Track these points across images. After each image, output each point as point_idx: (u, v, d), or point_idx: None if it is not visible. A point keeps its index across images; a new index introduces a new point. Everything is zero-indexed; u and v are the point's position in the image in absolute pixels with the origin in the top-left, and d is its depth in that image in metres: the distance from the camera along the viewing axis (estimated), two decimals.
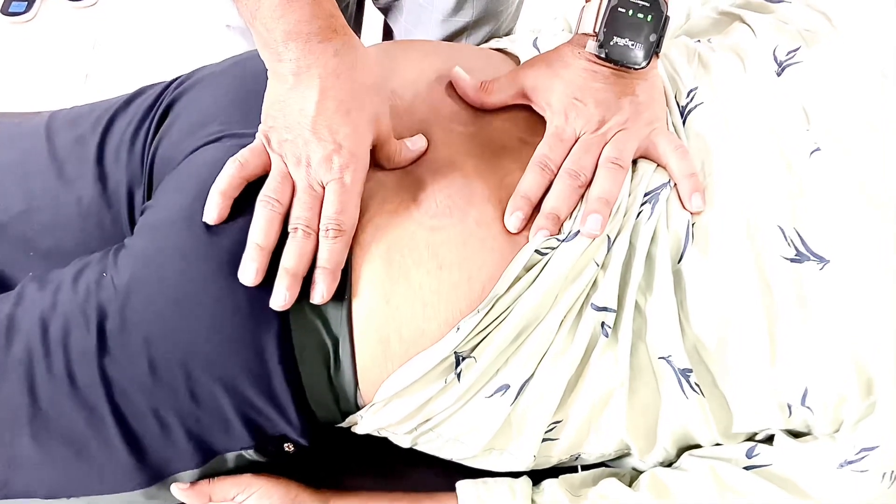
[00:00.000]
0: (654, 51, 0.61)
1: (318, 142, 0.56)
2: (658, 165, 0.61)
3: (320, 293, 0.55)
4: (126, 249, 0.60)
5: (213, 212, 0.57)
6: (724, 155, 0.61)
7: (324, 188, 0.57)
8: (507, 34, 1.00)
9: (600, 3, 0.61)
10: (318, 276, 0.55)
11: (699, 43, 0.69)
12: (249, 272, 0.55)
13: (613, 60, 0.61)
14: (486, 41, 0.94)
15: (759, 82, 0.64)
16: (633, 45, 0.60)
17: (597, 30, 0.61)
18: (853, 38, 0.66)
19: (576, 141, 0.61)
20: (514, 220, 0.58)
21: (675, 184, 0.60)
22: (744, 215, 0.58)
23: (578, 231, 0.57)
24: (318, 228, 0.56)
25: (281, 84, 0.57)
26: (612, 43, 0.61)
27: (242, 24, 0.96)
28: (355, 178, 0.57)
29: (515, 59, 0.72)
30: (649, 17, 0.61)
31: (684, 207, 0.59)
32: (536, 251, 0.57)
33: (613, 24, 0.60)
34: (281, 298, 0.54)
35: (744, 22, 0.69)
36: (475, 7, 0.91)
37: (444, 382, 0.57)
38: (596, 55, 0.61)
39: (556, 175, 0.60)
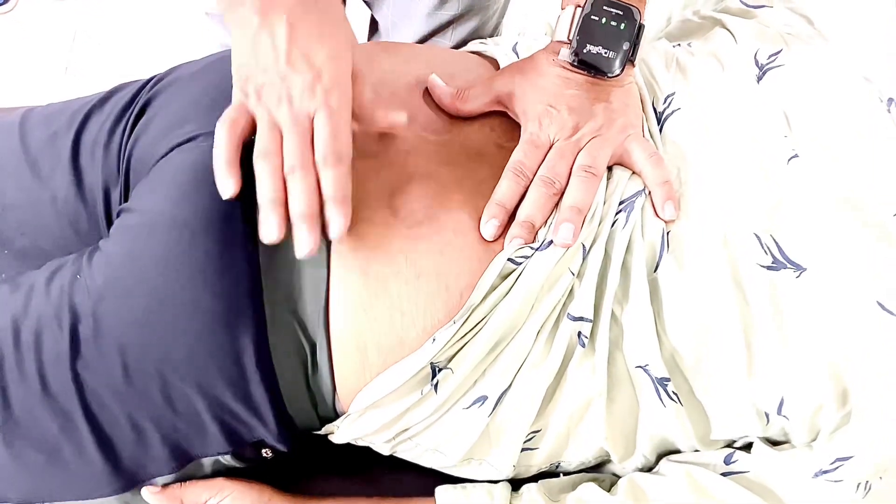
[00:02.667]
0: (628, 59, 0.61)
1: (295, 73, 0.53)
2: (633, 173, 0.61)
3: (337, 226, 0.53)
4: (100, 252, 0.59)
5: (229, 185, 0.53)
6: (701, 162, 0.61)
7: (311, 120, 0.54)
8: (494, 30, 1.00)
9: (574, 11, 0.62)
10: (329, 209, 0.53)
11: (679, 47, 0.69)
12: (272, 228, 0.52)
13: (587, 68, 0.61)
14: (473, 35, 0.94)
15: (738, 87, 0.64)
16: (606, 52, 0.61)
17: (570, 37, 0.61)
18: (836, 42, 0.66)
19: (550, 147, 0.61)
20: (489, 228, 0.57)
21: (649, 192, 0.60)
22: (719, 223, 0.58)
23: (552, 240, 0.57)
24: (315, 162, 0.53)
25: (246, 30, 0.54)
26: (585, 51, 0.61)
27: (219, 11, 0.95)
28: (342, 101, 0.54)
29: (494, 62, 0.72)
30: (622, 25, 0.61)
31: (657, 216, 0.59)
32: (510, 260, 0.56)
33: (587, 31, 0.61)
34: (306, 245, 0.52)
35: (724, 27, 0.69)
36: (461, 1, 0.90)
37: (421, 394, 0.57)
38: (569, 63, 0.61)
39: (530, 181, 0.60)
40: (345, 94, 0.55)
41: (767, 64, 0.64)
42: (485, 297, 0.56)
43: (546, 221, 0.59)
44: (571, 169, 0.60)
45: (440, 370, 0.56)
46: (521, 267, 0.57)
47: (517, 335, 0.56)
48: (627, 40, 0.61)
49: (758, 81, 0.64)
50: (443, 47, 0.91)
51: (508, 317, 0.56)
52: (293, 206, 0.52)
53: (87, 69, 1.69)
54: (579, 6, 0.62)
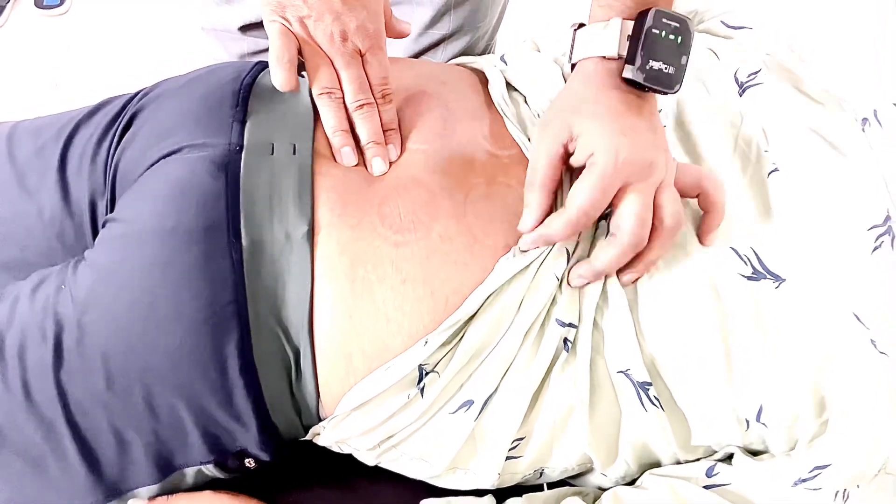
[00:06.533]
0: (683, 74, 0.57)
1: (350, 12, 0.60)
2: None
3: (393, 152, 0.63)
4: (85, 262, 0.59)
5: (285, 79, 0.60)
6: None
7: (362, 56, 0.62)
8: (484, 51, 1.01)
9: (621, 24, 0.57)
10: (388, 137, 0.63)
11: None
12: (349, 155, 0.61)
13: (651, 86, 0.56)
14: (462, 53, 0.95)
15: (721, 104, 0.65)
16: (667, 68, 0.56)
17: (623, 53, 0.57)
18: (813, 63, 0.67)
19: (623, 189, 0.55)
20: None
21: (709, 213, 0.58)
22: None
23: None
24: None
25: None
26: (648, 67, 0.56)
27: (217, 27, 0.95)
28: (384, 40, 0.62)
29: (480, 73, 0.73)
30: (679, 38, 0.57)
31: (702, 242, 0.59)
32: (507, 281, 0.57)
33: (649, 46, 0.56)
34: (382, 164, 0.62)
35: (705, 46, 0.71)
36: (453, 21, 0.92)
37: (408, 398, 0.57)
38: (631, 79, 0.56)
39: (586, 227, 0.57)
40: (384, 32, 0.63)
41: (747, 82, 0.65)
42: (481, 307, 0.57)
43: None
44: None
45: (427, 374, 0.57)
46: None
47: (503, 339, 0.57)
48: (685, 54, 0.57)
49: (738, 98, 0.65)
50: (432, 62, 0.92)
51: (494, 318, 0.56)
52: (366, 135, 0.62)
53: (77, 85, 1.69)
54: (628, 18, 0.57)
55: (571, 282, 0.58)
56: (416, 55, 0.96)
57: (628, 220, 0.55)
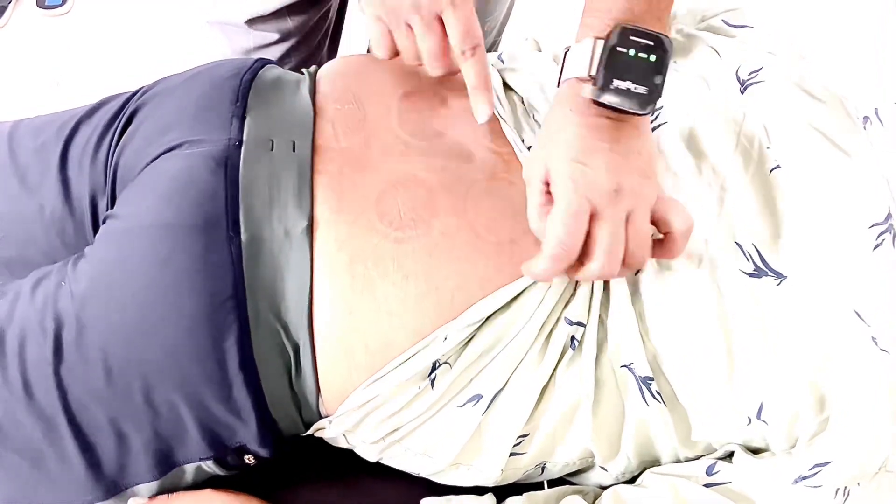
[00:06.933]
0: (659, 94, 0.54)
1: None
2: None
3: (484, 111, 0.63)
4: (85, 258, 0.59)
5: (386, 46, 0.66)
6: (686, 172, 0.62)
7: (439, 20, 0.62)
8: (490, 49, 1.01)
9: (594, 44, 0.55)
10: (475, 96, 0.64)
11: None
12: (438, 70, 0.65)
13: (613, 107, 0.54)
14: None
15: (722, 101, 0.65)
16: (636, 87, 0.54)
17: (593, 73, 0.55)
18: (814, 61, 0.67)
19: (592, 213, 0.54)
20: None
21: (671, 244, 0.56)
22: (702, 230, 0.59)
23: None
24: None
25: None
26: (612, 86, 0.54)
27: (223, 20, 0.95)
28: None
29: None
30: (652, 56, 0.54)
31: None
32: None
33: (613, 65, 0.54)
34: (487, 109, 0.63)
35: (708, 45, 0.71)
36: None
37: (418, 388, 0.57)
38: (593, 100, 0.55)
39: (573, 261, 0.55)
40: None
41: (748, 80, 0.65)
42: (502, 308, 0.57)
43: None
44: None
45: (439, 365, 0.57)
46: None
47: (517, 336, 0.57)
48: (660, 73, 0.54)
49: (740, 95, 0.65)
50: None
51: (512, 315, 0.57)
52: (477, 80, 0.63)
53: (78, 85, 1.69)
54: (599, 38, 0.55)
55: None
56: None
57: (597, 256, 0.54)
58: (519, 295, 0.57)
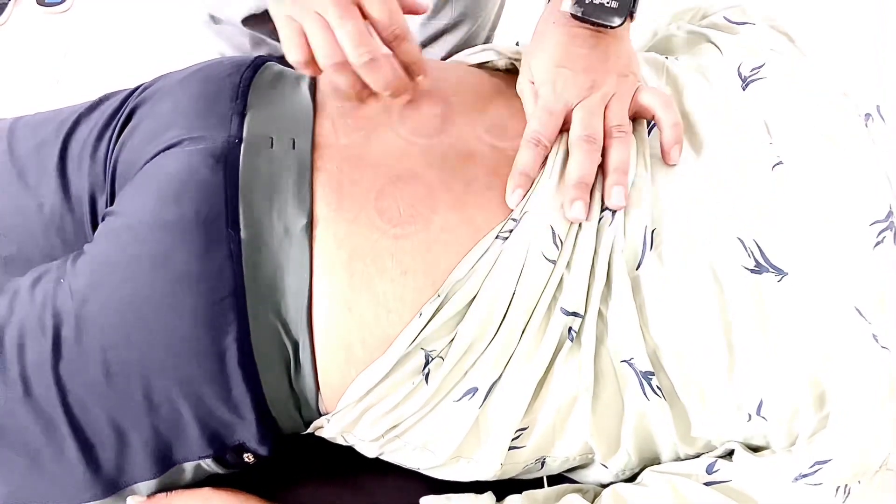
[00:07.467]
0: (630, 8, 0.61)
1: None
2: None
3: (423, 81, 0.63)
4: (84, 255, 0.59)
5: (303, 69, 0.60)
6: (689, 167, 0.61)
7: (360, 8, 0.59)
8: (486, 41, 1.01)
9: None
10: (412, 71, 0.62)
11: (667, 59, 0.70)
12: (385, 82, 0.60)
13: (590, 19, 0.61)
14: (464, 45, 0.96)
15: (724, 97, 0.65)
16: (609, 2, 0.60)
17: None
18: (815, 59, 0.67)
19: (570, 112, 0.62)
20: (514, 198, 0.59)
21: (661, 132, 0.61)
22: (704, 225, 0.59)
23: (526, 213, 0.58)
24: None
25: None
26: (587, 1, 0.61)
27: (222, 16, 0.95)
28: None
29: (483, 68, 0.73)
30: None
31: (665, 160, 0.61)
32: (497, 237, 0.58)
33: None
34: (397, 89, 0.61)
35: (710, 41, 0.71)
36: (454, 9, 0.92)
37: (412, 384, 0.57)
38: (572, 14, 0.61)
39: (549, 150, 0.61)
40: None
41: (750, 76, 0.65)
42: (469, 272, 0.57)
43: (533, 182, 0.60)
44: (604, 127, 0.61)
45: (432, 359, 0.57)
46: (504, 243, 0.57)
47: (504, 323, 0.57)
48: None
49: (741, 91, 0.65)
50: (431, 59, 0.92)
51: (490, 298, 0.56)
52: (381, 87, 0.60)
53: (78, 82, 1.70)
54: None
55: (568, 214, 0.58)
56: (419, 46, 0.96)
57: (576, 127, 0.61)
58: (490, 276, 0.57)
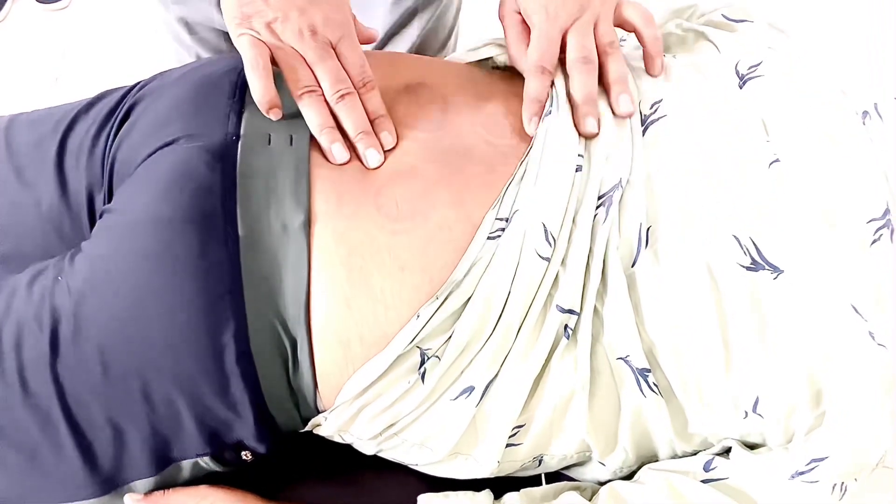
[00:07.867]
0: None
1: (313, 6, 0.61)
2: (607, 160, 0.61)
3: (387, 139, 0.61)
4: (82, 253, 0.59)
5: (263, 86, 0.59)
6: (684, 165, 0.61)
7: (333, 48, 0.62)
8: (456, 16, 1.03)
9: None
10: (379, 125, 0.62)
11: (664, 57, 0.70)
12: (340, 152, 0.60)
13: None
14: (437, 22, 0.98)
15: (721, 95, 0.65)
16: None
17: None
18: (813, 56, 0.67)
19: (564, 34, 0.65)
20: (532, 126, 0.62)
21: (643, 45, 0.67)
22: (700, 223, 0.58)
23: (517, 211, 0.58)
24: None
25: None
26: None
27: (203, 21, 0.94)
28: (353, 28, 0.63)
29: (483, 66, 0.73)
30: None
31: (648, 71, 0.66)
32: (489, 238, 0.58)
33: None
34: (377, 156, 0.60)
35: (707, 39, 0.71)
36: None
37: (408, 383, 0.57)
38: None
39: (553, 75, 0.65)
40: (352, 23, 0.64)
41: (747, 74, 0.65)
42: (467, 274, 0.57)
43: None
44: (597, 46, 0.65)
45: (428, 358, 0.57)
46: (496, 241, 0.58)
47: (500, 322, 0.57)
48: None
49: (739, 90, 0.65)
50: (430, 57, 0.92)
51: (486, 297, 0.56)
52: (353, 127, 0.61)
53: (77, 80, 1.69)
54: None
55: (582, 130, 0.62)
56: (393, 30, 0.97)
57: (573, 50, 0.64)
58: (486, 274, 0.57)
